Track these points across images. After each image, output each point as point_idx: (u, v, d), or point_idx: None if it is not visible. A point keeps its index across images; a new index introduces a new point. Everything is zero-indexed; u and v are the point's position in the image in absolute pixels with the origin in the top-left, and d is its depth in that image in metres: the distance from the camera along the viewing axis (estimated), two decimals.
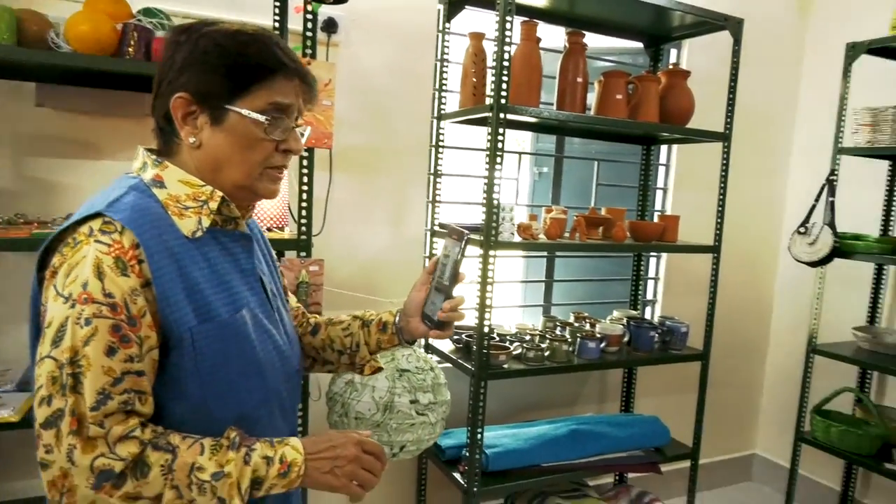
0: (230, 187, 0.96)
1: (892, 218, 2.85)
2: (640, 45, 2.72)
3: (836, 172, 2.67)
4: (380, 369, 1.29)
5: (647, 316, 3.09)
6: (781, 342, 3.40)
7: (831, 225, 2.62)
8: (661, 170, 3.07)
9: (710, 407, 3.28)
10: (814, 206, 2.70)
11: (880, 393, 2.97)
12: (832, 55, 2.99)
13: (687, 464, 2.65)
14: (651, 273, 3.12)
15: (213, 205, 0.94)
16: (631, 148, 2.85)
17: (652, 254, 3.07)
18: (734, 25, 2.37)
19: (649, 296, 3.13)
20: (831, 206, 2.64)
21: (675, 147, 3.01)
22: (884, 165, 2.86)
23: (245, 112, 0.92)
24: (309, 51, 1.81)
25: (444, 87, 2.43)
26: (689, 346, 2.62)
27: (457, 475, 2.23)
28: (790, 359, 3.28)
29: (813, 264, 2.67)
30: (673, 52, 3.01)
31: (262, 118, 0.93)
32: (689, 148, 3.01)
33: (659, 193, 3.09)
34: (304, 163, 1.85)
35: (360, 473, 0.96)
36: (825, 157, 2.78)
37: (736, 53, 2.40)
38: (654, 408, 3.05)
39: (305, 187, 1.86)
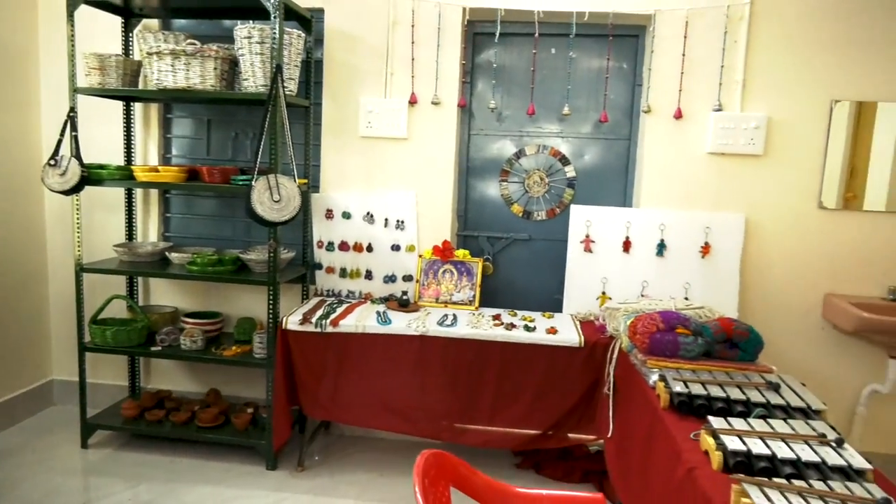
0: None
1: (132, 149, 3.42)
2: None
3: (74, 109, 3.00)
4: None
5: None
6: (60, 267, 3.63)
7: (78, 156, 2.97)
8: None
9: None
10: (60, 140, 2.98)
11: (147, 293, 3.61)
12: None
13: None
14: None
15: None
16: None
17: None
18: None
19: None
20: (75, 140, 2.98)
21: None
22: (120, 105, 3.37)
23: None
24: None
25: None
26: None
27: None
28: (70, 281, 3.57)
29: (66, 193, 2.98)
30: None
31: None
32: None
33: None
34: None
35: None
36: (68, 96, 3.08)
37: None
38: None
39: None
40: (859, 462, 1.63)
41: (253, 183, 2.73)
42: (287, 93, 2.87)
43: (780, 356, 3.19)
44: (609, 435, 2.72)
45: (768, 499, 1.42)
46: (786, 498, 1.43)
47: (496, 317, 3.14)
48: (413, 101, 3.27)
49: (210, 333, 3.30)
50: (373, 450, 3.36)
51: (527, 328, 2.97)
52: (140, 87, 3.22)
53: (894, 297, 3.14)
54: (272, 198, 2.76)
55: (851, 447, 1.71)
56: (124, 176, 3.07)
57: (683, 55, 3.12)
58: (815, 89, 3.10)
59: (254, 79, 2.84)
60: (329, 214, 3.37)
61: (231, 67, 2.95)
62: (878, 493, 1.47)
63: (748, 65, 3.11)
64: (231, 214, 3.54)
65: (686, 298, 3.18)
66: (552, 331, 2.95)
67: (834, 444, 1.71)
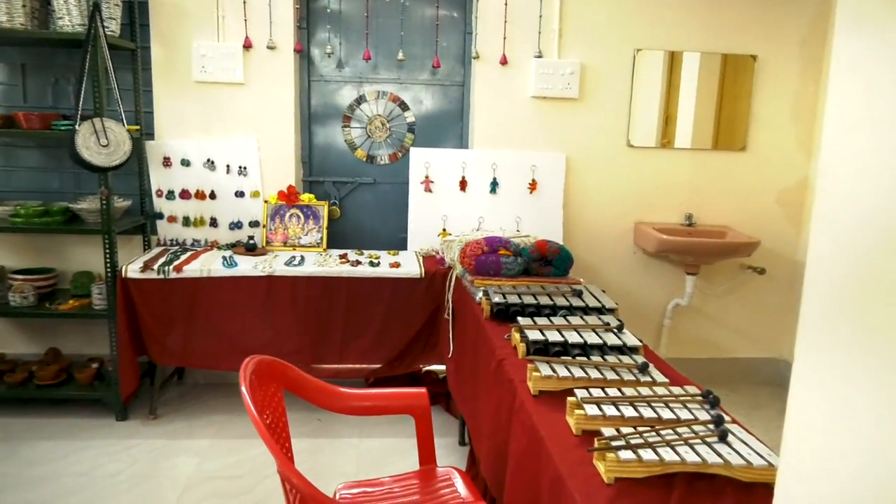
0: None
1: None
2: None
3: None
4: None
5: None
6: None
7: None
8: None
9: None
10: None
11: None
12: None
13: None
14: None
15: None
16: None
17: None
18: None
19: None
20: None
21: None
22: None
23: None
24: None
25: None
26: None
27: None
28: None
29: None
30: None
31: None
32: None
33: None
34: None
35: None
36: None
37: None
38: None
39: None
40: (632, 341, 1.97)
41: (76, 127, 2.64)
42: (108, 33, 2.76)
43: (600, 279, 3.61)
44: (449, 355, 2.98)
45: (553, 370, 1.70)
46: (567, 369, 1.72)
47: (343, 256, 3.28)
48: (248, 46, 3.26)
49: (43, 289, 3.16)
50: (229, 395, 3.42)
51: (371, 264, 3.14)
52: None
53: (689, 222, 3.65)
54: (99, 142, 2.68)
55: (630, 332, 2.06)
56: None
57: (506, 4, 3.36)
58: (621, 39, 3.47)
59: (69, 17, 2.71)
60: (167, 162, 3.30)
61: (43, 5, 2.79)
62: (641, 360, 1.80)
63: (563, 15, 3.41)
64: (57, 166, 3.36)
65: (518, 231, 3.50)
66: (395, 265, 3.14)
67: (615, 331, 2.05)
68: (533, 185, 3.51)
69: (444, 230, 3.50)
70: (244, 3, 3.20)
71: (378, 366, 3.20)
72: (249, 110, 3.33)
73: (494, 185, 3.50)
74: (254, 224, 3.41)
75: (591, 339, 1.96)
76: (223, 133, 3.33)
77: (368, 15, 3.37)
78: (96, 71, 2.70)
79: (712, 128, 3.64)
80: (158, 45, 3.22)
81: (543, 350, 1.92)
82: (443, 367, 3.29)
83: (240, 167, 3.35)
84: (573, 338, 1.96)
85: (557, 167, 3.53)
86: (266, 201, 3.40)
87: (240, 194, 3.38)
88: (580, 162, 3.56)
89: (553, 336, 1.96)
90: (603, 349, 1.93)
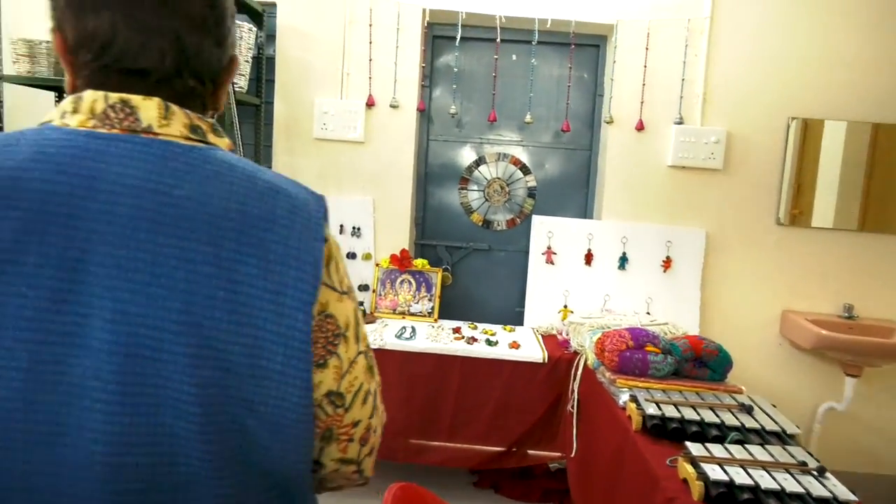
0: None
1: None
2: None
3: (1, 100, 2.72)
4: None
5: None
6: None
7: None
8: None
9: None
10: None
11: None
12: None
13: None
14: None
15: None
16: None
17: None
18: None
19: None
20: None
21: None
22: (52, 96, 3.09)
23: None
24: None
25: None
26: None
27: None
28: None
29: None
30: None
31: None
32: None
33: None
34: None
35: None
36: None
37: None
38: None
39: None
40: (843, 493, 1.57)
41: None
42: (237, 89, 2.67)
43: (738, 372, 3.15)
44: (572, 454, 2.63)
45: None
46: None
47: (456, 329, 3.01)
48: (370, 104, 3.11)
49: None
50: None
51: (489, 342, 2.86)
52: None
53: (849, 314, 3.17)
54: None
55: (833, 476, 1.66)
56: None
57: (645, 67, 3.08)
58: (773, 105, 3.10)
59: None
60: None
61: None
62: None
63: (708, 78, 3.09)
64: None
65: (648, 313, 3.13)
66: (514, 345, 2.84)
67: (816, 473, 1.66)
68: (667, 263, 3.15)
69: (566, 307, 3.18)
70: (370, 60, 3.07)
71: (491, 449, 2.86)
72: (367, 169, 3.16)
73: (623, 261, 3.16)
74: (363, 288, 3.21)
75: (789, 485, 1.57)
76: (339, 191, 3.18)
77: (496, 75, 3.17)
78: (222, 125, 2.60)
79: (859, 206, 3.17)
80: (282, 101, 3.13)
81: (728, 494, 1.56)
82: (557, 455, 2.93)
83: (353, 228, 3.18)
84: (765, 481, 1.58)
85: (696, 244, 3.16)
86: (378, 265, 3.20)
87: (351, 256, 3.20)
88: (722, 239, 3.18)
89: (739, 476, 1.59)
90: (805, 501, 1.54)
